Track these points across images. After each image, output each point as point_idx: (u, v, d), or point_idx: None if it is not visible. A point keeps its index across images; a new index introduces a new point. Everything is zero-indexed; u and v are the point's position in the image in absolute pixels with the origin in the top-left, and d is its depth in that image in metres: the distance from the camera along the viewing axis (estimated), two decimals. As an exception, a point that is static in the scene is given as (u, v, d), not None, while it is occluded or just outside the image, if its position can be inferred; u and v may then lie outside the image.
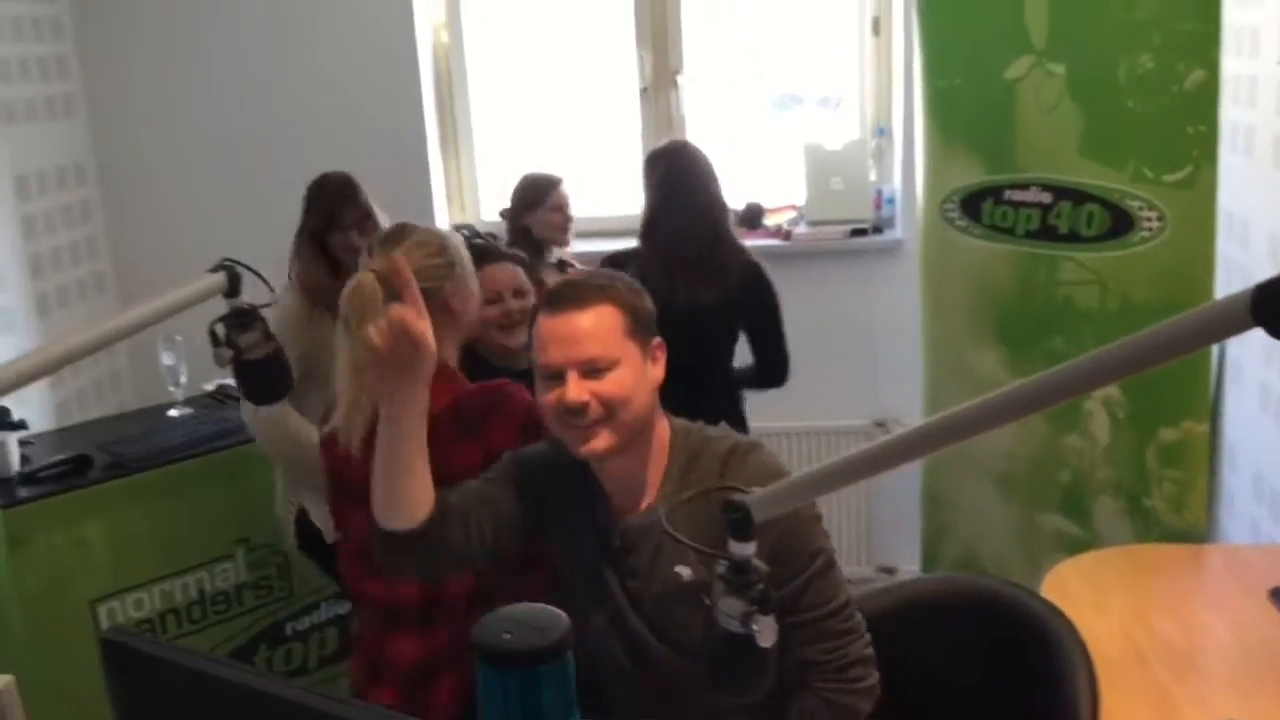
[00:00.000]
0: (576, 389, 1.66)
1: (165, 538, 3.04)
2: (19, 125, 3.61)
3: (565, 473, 1.79)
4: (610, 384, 1.67)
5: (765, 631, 1.31)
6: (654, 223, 3.18)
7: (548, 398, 1.69)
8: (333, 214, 2.88)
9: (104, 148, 4.02)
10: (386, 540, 1.70)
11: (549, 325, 1.70)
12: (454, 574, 1.96)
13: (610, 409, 1.67)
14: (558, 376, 1.68)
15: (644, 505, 1.75)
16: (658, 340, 1.77)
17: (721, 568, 1.34)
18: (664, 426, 1.78)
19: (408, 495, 1.67)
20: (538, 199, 3.50)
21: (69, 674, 2.82)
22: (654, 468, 1.76)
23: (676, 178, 3.16)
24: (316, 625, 3.37)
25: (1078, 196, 2.84)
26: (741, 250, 3.17)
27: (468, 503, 1.77)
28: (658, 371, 1.76)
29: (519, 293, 2.68)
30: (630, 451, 1.72)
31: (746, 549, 1.33)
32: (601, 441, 1.68)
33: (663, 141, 3.52)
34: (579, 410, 1.66)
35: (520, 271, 2.75)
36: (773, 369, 3.17)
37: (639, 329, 1.73)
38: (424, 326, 1.55)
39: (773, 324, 3.16)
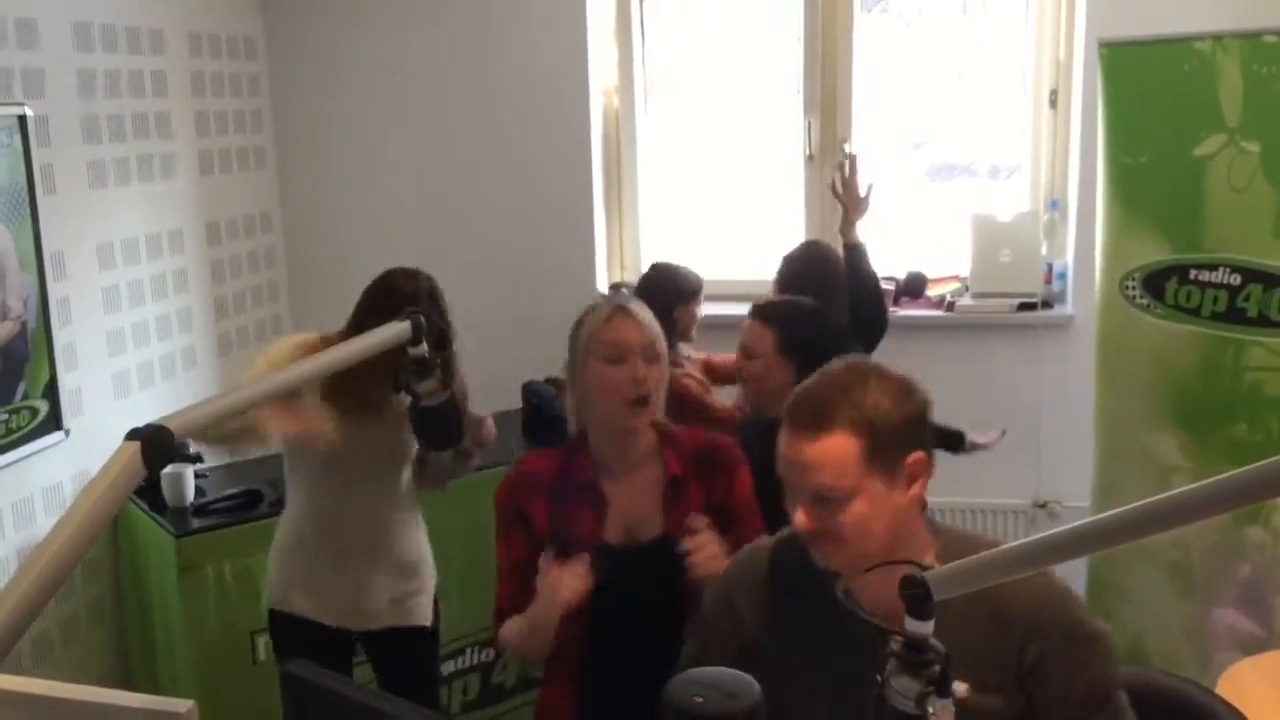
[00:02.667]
0: (804, 517, 1.59)
1: (325, 575, 3.11)
2: (214, 175, 3.82)
3: (753, 580, 1.78)
4: (841, 517, 1.57)
5: (941, 715, 1.26)
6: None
7: (793, 514, 1.62)
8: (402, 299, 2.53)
9: (290, 198, 4.22)
10: None
11: (785, 441, 1.61)
12: None
13: (838, 539, 1.58)
14: (795, 496, 1.61)
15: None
16: (915, 456, 1.60)
17: (897, 645, 1.30)
18: (927, 539, 1.67)
19: None
20: (692, 294, 3.46)
21: (229, 700, 2.91)
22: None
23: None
24: (460, 671, 3.41)
25: (1270, 280, 2.71)
26: None
27: None
28: (915, 490, 1.61)
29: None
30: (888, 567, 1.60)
31: (924, 627, 1.28)
32: (835, 561, 1.60)
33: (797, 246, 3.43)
34: (811, 539, 1.60)
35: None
36: None
37: (882, 453, 1.57)
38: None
39: None
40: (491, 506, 2.59)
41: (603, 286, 4.13)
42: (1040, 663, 1.58)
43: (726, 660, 1.66)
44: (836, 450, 1.56)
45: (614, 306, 2.15)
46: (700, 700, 0.93)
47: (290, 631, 2.71)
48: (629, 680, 2.06)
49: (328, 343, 2.43)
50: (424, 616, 2.78)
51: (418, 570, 2.77)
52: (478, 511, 3.21)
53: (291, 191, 4.22)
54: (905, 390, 1.62)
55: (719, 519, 2.10)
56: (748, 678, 0.97)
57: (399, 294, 2.48)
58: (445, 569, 3.21)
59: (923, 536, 1.66)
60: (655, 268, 3.54)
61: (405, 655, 2.79)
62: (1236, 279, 2.76)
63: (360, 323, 2.49)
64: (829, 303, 2.96)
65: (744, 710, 0.93)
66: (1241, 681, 2.44)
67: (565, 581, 1.97)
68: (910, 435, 1.60)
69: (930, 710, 1.27)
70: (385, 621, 2.72)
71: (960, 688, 1.59)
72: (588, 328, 2.13)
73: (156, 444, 1.31)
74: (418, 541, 2.78)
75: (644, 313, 2.16)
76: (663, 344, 2.15)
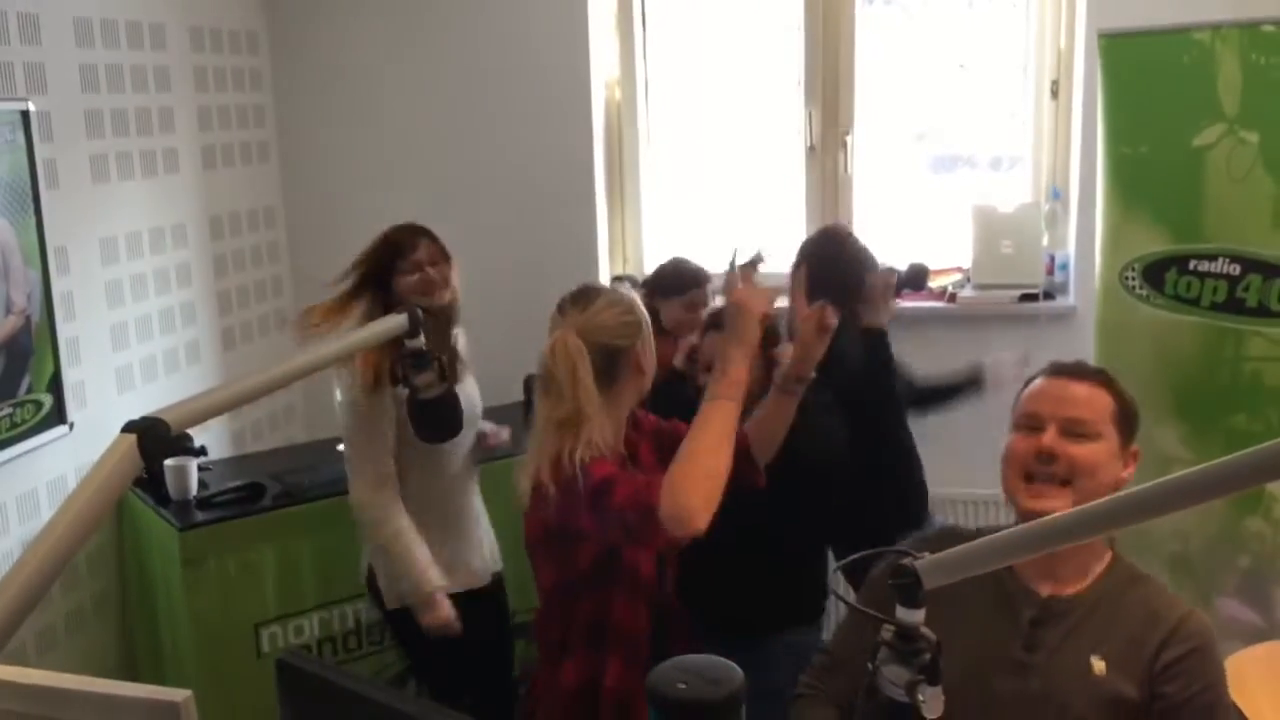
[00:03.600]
0: (1053, 438, 1.74)
1: (328, 567, 3.14)
2: (217, 170, 3.83)
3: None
4: (1085, 450, 1.73)
5: (931, 703, 1.27)
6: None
7: (1017, 444, 1.78)
8: (401, 246, 2.78)
9: (293, 193, 4.23)
10: None
11: (1047, 384, 1.82)
12: None
13: (1074, 472, 1.72)
14: (1038, 428, 1.76)
15: (1072, 590, 1.76)
16: (1136, 448, 1.81)
17: (888, 633, 1.31)
18: (1107, 546, 1.82)
19: None
20: (678, 289, 3.35)
21: (233, 692, 2.93)
22: (1094, 559, 1.79)
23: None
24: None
25: (1269, 270, 2.71)
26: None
27: None
28: (1127, 473, 1.79)
29: None
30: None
31: (915, 615, 1.29)
32: (1054, 502, 1.69)
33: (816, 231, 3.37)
34: (1048, 458, 1.73)
35: None
36: None
37: (1125, 424, 1.79)
38: None
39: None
40: (490, 503, 2.71)
41: (605, 279, 4.13)
42: (1175, 664, 1.69)
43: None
44: (1099, 396, 1.78)
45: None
46: (683, 687, 0.94)
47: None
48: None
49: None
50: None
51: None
52: (491, 499, 3.21)
53: (294, 186, 4.23)
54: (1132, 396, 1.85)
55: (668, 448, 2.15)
56: (730, 664, 0.98)
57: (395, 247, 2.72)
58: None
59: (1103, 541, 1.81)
60: (668, 261, 3.52)
61: (499, 605, 3.01)
62: (1236, 269, 2.77)
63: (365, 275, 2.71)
64: (854, 288, 2.94)
65: (725, 697, 0.94)
66: (1241, 672, 2.44)
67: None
68: (1135, 428, 1.81)
69: (920, 698, 1.28)
70: (490, 571, 2.95)
71: (1099, 665, 1.69)
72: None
73: (153, 437, 1.32)
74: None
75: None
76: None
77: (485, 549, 2.95)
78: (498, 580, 3.00)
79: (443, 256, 2.76)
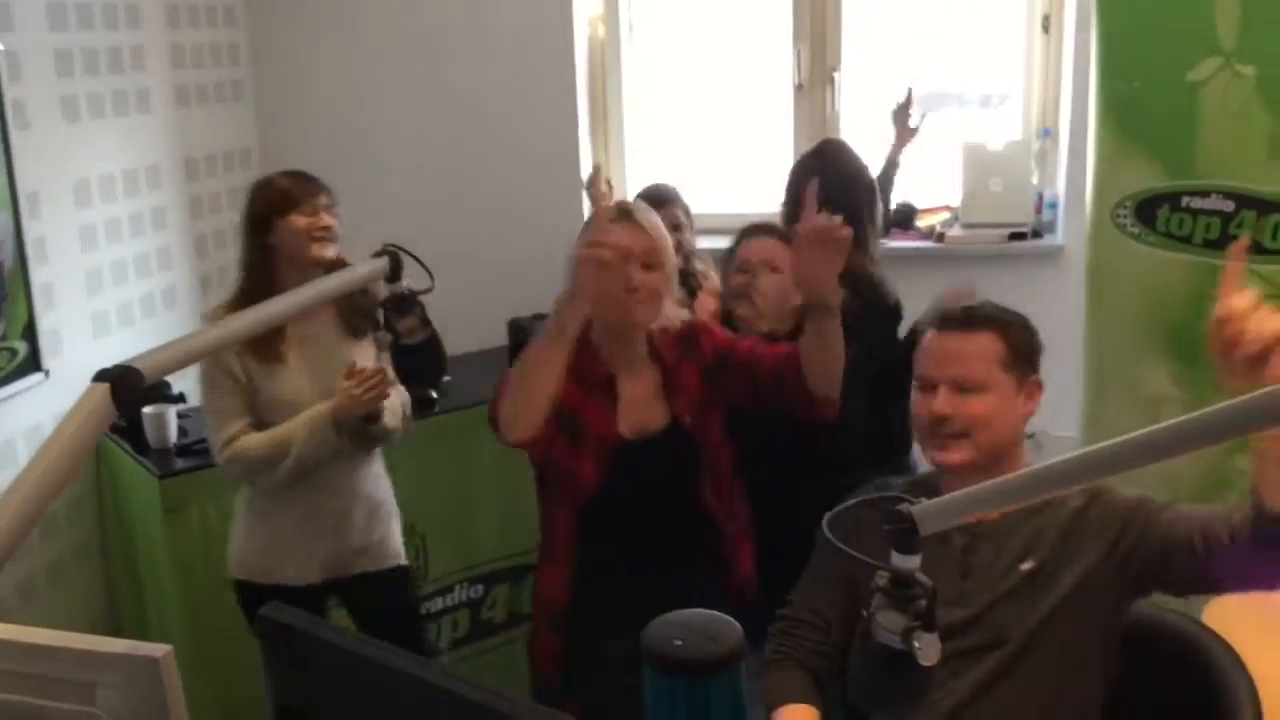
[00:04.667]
0: (942, 401, 1.82)
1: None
2: (190, 109, 3.74)
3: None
4: (975, 404, 1.81)
5: (927, 649, 1.25)
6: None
7: (918, 406, 1.86)
8: (290, 193, 2.53)
9: (269, 133, 4.14)
10: None
11: (935, 341, 1.88)
12: None
13: (969, 427, 1.81)
14: (930, 388, 1.84)
15: (998, 514, 1.81)
16: (1036, 378, 1.89)
17: (882, 580, 1.29)
18: (1025, 463, 1.86)
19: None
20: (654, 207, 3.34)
21: (216, 641, 2.91)
22: None
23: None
24: (449, 608, 3.41)
25: (1263, 206, 2.67)
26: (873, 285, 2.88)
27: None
28: (1030, 407, 1.88)
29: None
30: (984, 476, 1.70)
31: (910, 561, 1.27)
32: (956, 455, 1.82)
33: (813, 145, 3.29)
34: (940, 422, 1.82)
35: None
36: None
37: (1018, 363, 1.86)
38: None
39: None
40: (479, 445, 2.60)
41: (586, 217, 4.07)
42: (1100, 520, 1.79)
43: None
44: (984, 345, 1.84)
45: (619, 211, 2.26)
46: (680, 644, 0.91)
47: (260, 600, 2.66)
48: (628, 569, 2.20)
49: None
50: (400, 555, 2.77)
51: (390, 510, 2.75)
52: (460, 450, 3.21)
53: (271, 126, 4.14)
54: (1031, 326, 1.94)
55: (721, 373, 2.26)
56: (728, 619, 0.95)
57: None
58: (430, 508, 3.21)
59: (1025, 453, 1.89)
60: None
61: (388, 596, 2.77)
62: (1229, 205, 2.72)
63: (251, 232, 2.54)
64: (854, 199, 2.85)
65: (724, 654, 0.91)
66: (1225, 612, 2.44)
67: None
68: (1037, 361, 1.89)
69: (916, 644, 1.26)
70: (365, 566, 2.69)
71: (1025, 567, 1.78)
72: (588, 231, 2.21)
73: (126, 386, 1.28)
74: (385, 481, 2.75)
75: (648, 217, 2.25)
76: (666, 250, 2.23)
77: (374, 535, 2.70)
78: (400, 570, 2.79)
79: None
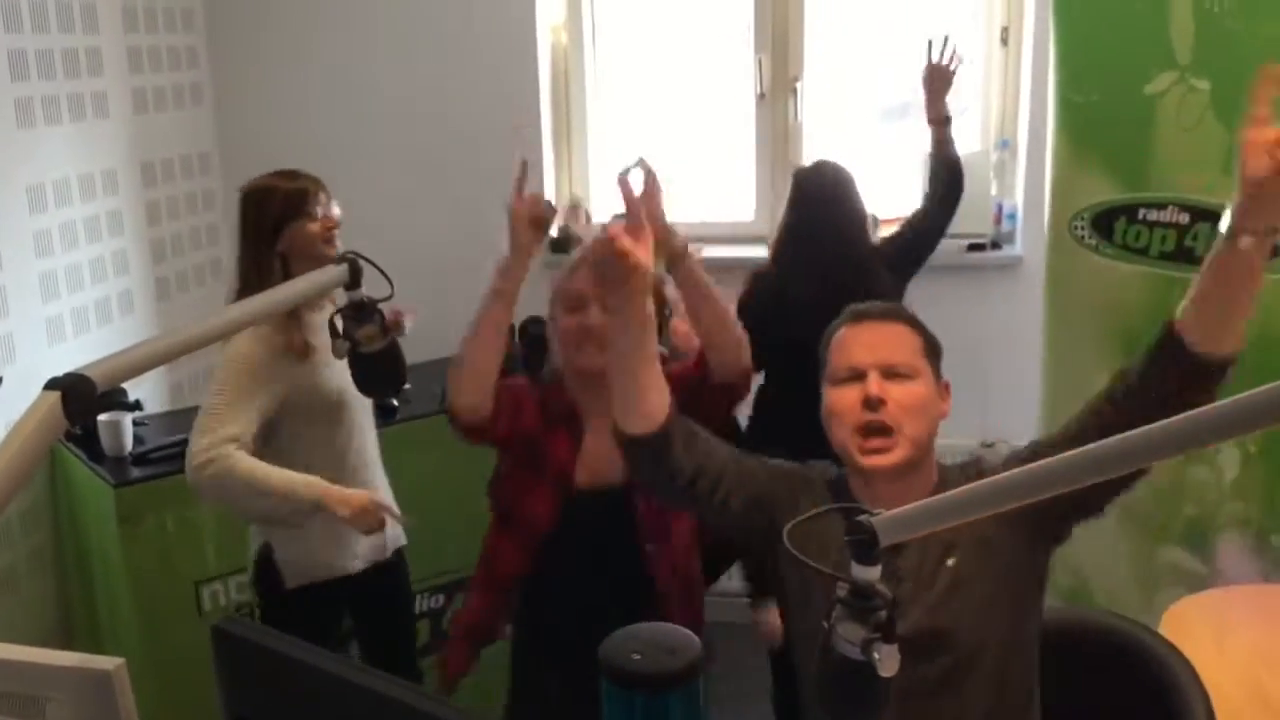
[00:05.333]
0: (879, 385, 1.73)
1: (269, 523, 3.07)
2: (149, 114, 3.70)
3: (818, 486, 1.85)
4: (908, 392, 1.75)
5: (886, 660, 1.25)
6: (792, 252, 3.10)
7: (843, 399, 1.76)
8: (294, 197, 2.53)
9: (228, 138, 4.10)
10: (628, 445, 1.75)
11: (853, 332, 1.82)
12: (679, 501, 1.95)
13: (902, 417, 1.73)
14: (858, 377, 1.76)
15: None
16: (946, 380, 1.85)
17: (843, 591, 1.29)
18: (935, 467, 1.83)
19: (639, 400, 1.71)
20: None
21: (173, 652, 2.88)
22: (928, 480, 1.79)
23: (819, 205, 3.08)
24: (412, 618, 3.38)
25: (1218, 218, 2.71)
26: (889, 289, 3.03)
27: (722, 449, 1.82)
28: (944, 407, 1.83)
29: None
30: (904, 478, 1.74)
31: (870, 573, 1.27)
32: (890, 457, 1.73)
33: (809, 163, 3.34)
34: (877, 405, 1.72)
35: None
36: None
37: (932, 357, 1.83)
38: (632, 246, 1.58)
39: None
40: (443, 453, 2.57)
41: (551, 230, 4.06)
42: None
43: (741, 494, 1.80)
44: (905, 334, 1.81)
45: (580, 256, 2.29)
46: (638, 657, 0.91)
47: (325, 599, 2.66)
48: (565, 615, 2.25)
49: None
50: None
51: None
52: (421, 459, 3.19)
53: (230, 131, 4.10)
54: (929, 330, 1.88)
55: (691, 394, 2.16)
56: (686, 633, 0.95)
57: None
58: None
59: (934, 457, 1.82)
60: None
61: (394, 586, 2.85)
62: (1185, 218, 2.76)
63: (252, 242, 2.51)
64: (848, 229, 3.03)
65: (683, 667, 0.90)
66: (1184, 618, 2.47)
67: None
68: (940, 360, 1.84)
69: (876, 655, 1.26)
70: (397, 542, 2.79)
71: (950, 563, 1.73)
72: (557, 277, 2.31)
73: (78, 394, 1.26)
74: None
75: None
76: None
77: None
78: (399, 553, 2.84)
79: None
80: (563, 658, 2.22)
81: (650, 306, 1.65)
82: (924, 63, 3.32)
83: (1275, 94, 1.40)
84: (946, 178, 3.28)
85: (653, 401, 1.72)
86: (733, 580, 3.14)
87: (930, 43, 3.30)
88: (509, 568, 2.32)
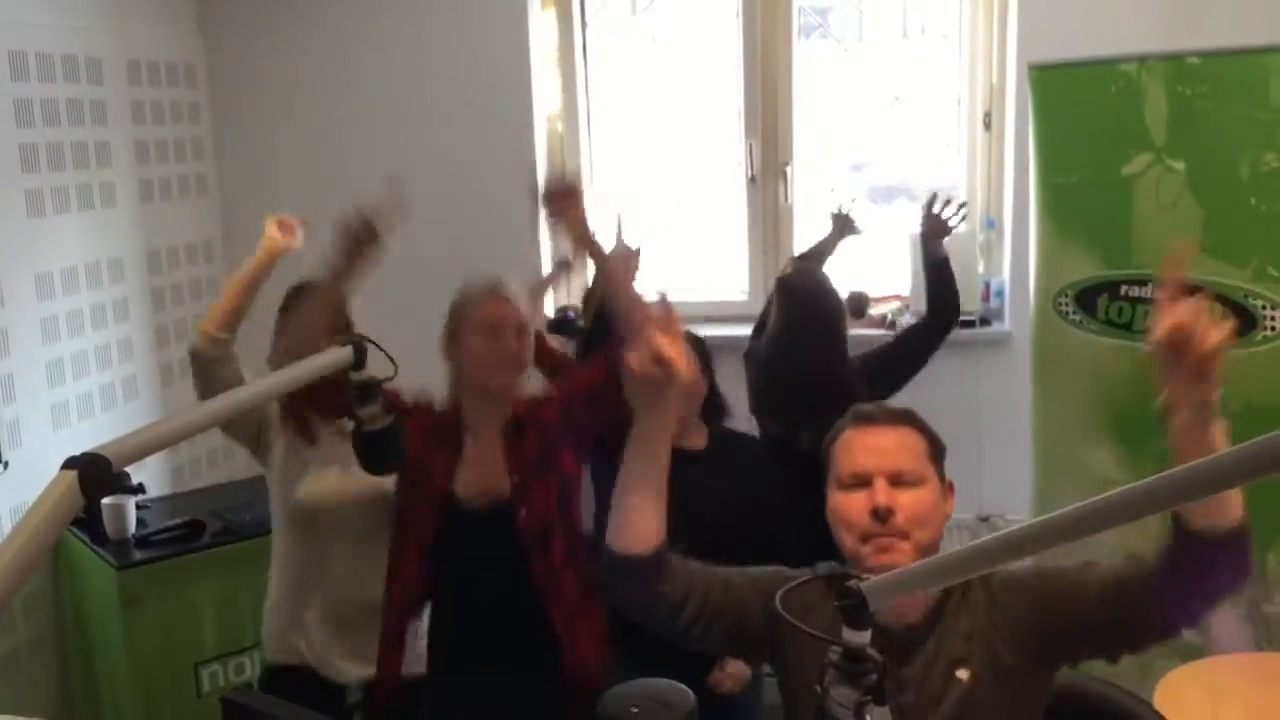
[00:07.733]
0: (886, 493, 1.71)
1: (269, 605, 3.08)
2: (155, 204, 3.79)
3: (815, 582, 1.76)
4: (915, 499, 1.73)
5: (878, 723, 1.28)
6: (780, 352, 3.12)
7: (851, 507, 1.73)
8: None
9: (231, 225, 4.19)
10: (619, 564, 1.70)
11: (859, 436, 1.79)
12: (662, 628, 1.82)
13: (911, 525, 1.71)
14: (865, 484, 1.74)
15: (916, 615, 1.75)
16: (951, 480, 1.82)
17: (835, 655, 1.32)
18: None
19: (641, 518, 1.68)
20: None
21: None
22: (926, 597, 1.75)
23: (805, 323, 3.09)
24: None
25: (1197, 293, 2.78)
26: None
27: (704, 573, 1.77)
28: (949, 508, 1.81)
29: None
30: None
31: (861, 637, 1.31)
32: (896, 556, 1.68)
33: (797, 271, 3.35)
34: (886, 516, 1.70)
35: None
36: None
37: (939, 460, 1.81)
38: (676, 353, 1.56)
39: None
40: None
41: (549, 310, 4.14)
42: (1015, 606, 1.71)
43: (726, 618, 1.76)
44: (911, 438, 1.78)
45: (489, 288, 2.45)
46: (636, 711, 0.94)
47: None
48: (463, 624, 2.40)
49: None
50: None
51: None
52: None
53: (233, 219, 4.19)
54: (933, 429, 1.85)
55: (571, 414, 2.40)
56: (681, 687, 0.98)
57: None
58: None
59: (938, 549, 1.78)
60: None
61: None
62: (1166, 294, 2.83)
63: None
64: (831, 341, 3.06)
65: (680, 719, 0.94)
66: (1179, 687, 2.49)
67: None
68: (944, 459, 1.81)
69: (867, 718, 1.29)
70: None
71: (963, 675, 1.68)
72: (466, 301, 2.45)
73: (94, 473, 1.29)
74: None
75: (515, 292, 2.47)
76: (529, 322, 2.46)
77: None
78: None
79: None
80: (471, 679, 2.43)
81: (676, 412, 1.65)
82: (923, 213, 3.34)
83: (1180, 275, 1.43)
84: (943, 306, 3.29)
85: (651, 522, 1.69)
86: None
87: (934, 195, 3.33)
88: (405, 584, 2.43)
